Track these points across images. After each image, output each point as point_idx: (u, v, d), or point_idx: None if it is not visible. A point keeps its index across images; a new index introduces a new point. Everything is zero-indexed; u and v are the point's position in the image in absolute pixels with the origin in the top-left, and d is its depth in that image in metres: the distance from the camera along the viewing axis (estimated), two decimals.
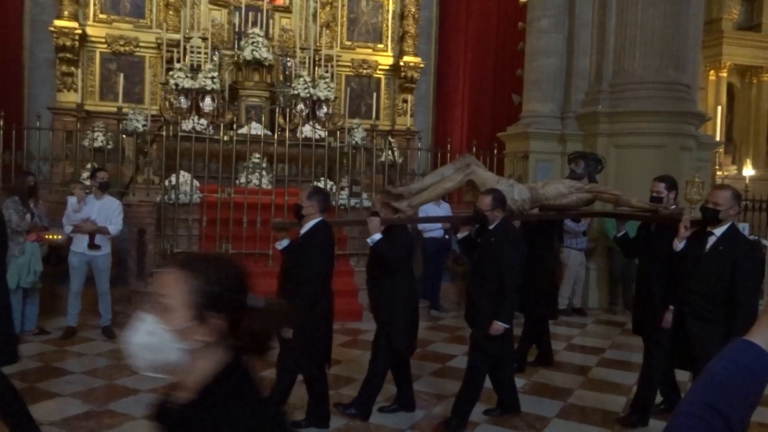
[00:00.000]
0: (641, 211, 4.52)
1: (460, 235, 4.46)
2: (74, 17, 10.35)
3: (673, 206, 4.38)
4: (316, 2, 11.73)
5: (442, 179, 4.60)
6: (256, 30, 10.50)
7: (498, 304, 3.97)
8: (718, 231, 3.57)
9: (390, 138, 11.41)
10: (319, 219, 3.82)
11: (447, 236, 7.85)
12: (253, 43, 10.24)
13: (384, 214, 4.28)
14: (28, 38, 10.71)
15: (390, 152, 9.86)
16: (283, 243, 4.04)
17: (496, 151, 9.19)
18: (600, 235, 8.17)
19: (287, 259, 3.94)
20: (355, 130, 10.18)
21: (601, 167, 5.59)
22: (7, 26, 9.97)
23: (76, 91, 10.50)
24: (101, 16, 10.76)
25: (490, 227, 4.10)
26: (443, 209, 7.92)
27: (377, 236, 4.01)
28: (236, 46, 10.75)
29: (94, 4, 10.71)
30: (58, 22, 10.19)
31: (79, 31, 10.31)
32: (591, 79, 8.65)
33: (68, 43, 10.21)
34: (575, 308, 7.87)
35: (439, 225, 7.75)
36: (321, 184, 8.90)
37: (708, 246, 3.59)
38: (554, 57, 8.76)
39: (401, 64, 12.20)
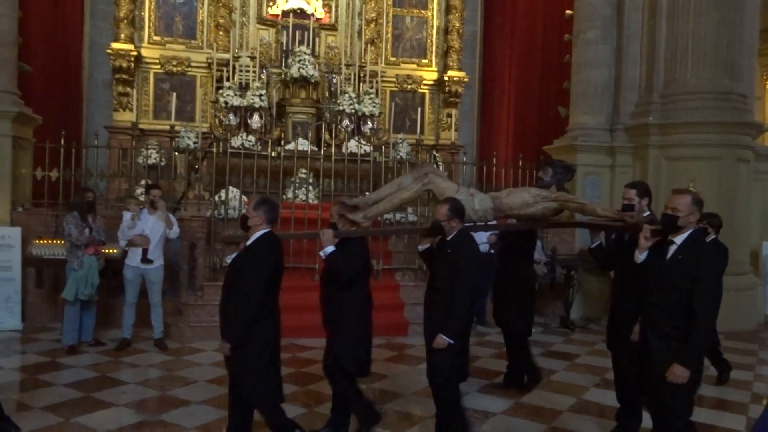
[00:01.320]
0: (608, 220, 4.30)
1: (420, 247, 4.25)
2: (130, 40, 10.79)
3: (647, 213, 4.14)
4: (362, 20, 11.90)
5: (399, 189, 4.43)
6: (303, 48, 10.71)
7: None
8: (679, 239, 3.30)
9: (434, 152, 11.41)
10: (266, 230, 3.62)
11: (492, 251, 7.76)
12: (299, 60, 10.44)
13: (341, 226, 4.14)
14: (87, 61, 11.21)
15: (435, 167, 9.86)
16: (232, 257, 3.89)
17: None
18: None
19: (228, 273, 3.74)
20: (400, 144, 10.23)
21: (571, 175, 5.31)
22: (69, 50, 10.45)
23: (131, 110, 10.92)
24: (155, 38, 11.18)
25: (447, 238, 3.93)
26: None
27: (330, 249, 3.89)
28: (283, 64, 10.98)
29: (149, 27, 11.14)
30: (115, 45, 10.64)
31: (135, 53, 10.74)
32: (641, 90, 8.47)
33: (124, 65, 10.64)
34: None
35: (484, 239, 7.67)
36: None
37: (668, 255, 3.32)
38: (602, 68, 8.62)
39: (445, 78, 12.22)
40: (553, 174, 4.93)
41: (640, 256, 3.55)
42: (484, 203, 4.39)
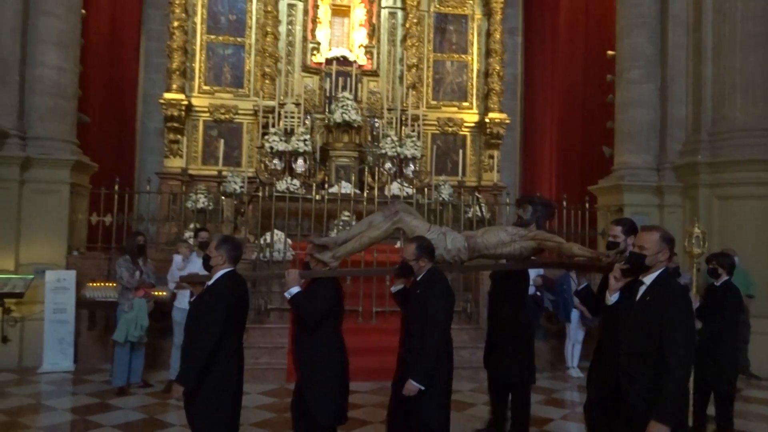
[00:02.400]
0: (587, 260, 4.11)
1: (393, 289, 4.12)
2: (181, 90, 11.26)
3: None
4: (403, 65, 12.14)
5: (369, 228, 4.29)
6: (346, 94, 10.96)
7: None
8: (648, 279, 3.08)
9: (477, 194, 11.39)
10: (228, 270, 3.54)
11: (539, 293, 7.62)
12: (342, 106, 10.68)
13: (313, 266, 4.06)
14: (140, 110, 11.74)
15: (477, 208, 9.83)
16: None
17: (587, 205, 8.94)
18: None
19: (188, 314, 3.63)
20: (442, 186, 10.26)
21: (552, 213, 5.13)
22: (124, 101, 10.98)
23: (181, 156, 11.31)
24: (205, 87, 11.64)
25: (417, 278, 3.83)
26: None
27: (294, 290, 3.78)
28: (327, 110, 11.24)
29: (199, 77, 11.61)
30: (167, 95, 11.12)
31: (186, 102, 11.19)
32: (688, 129, 8.33)
33: (176, 113, 11.08)
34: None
35: (530, 281, 7.56)
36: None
37: (637, 297, 3.10)
38: (647, 107, 8.53)
39: (487, 120, 12.27)
40: (532, 212, 4.69)
41: (611, 298, 3.34)
42: (456, 242, 4.24)
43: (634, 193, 8.42)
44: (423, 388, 3.58)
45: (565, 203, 8.83)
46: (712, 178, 7.82)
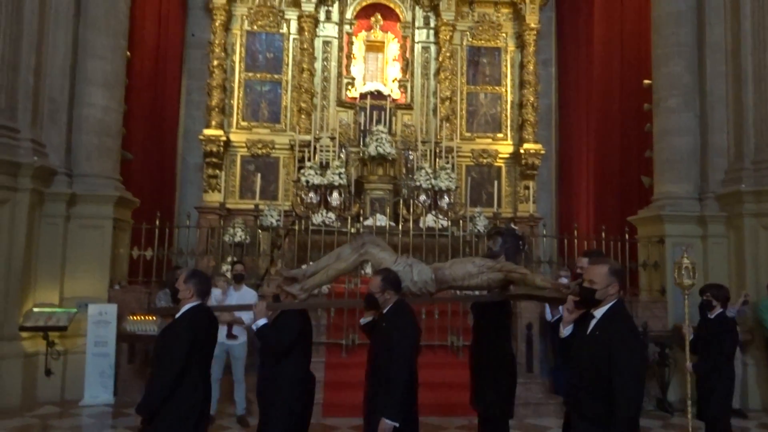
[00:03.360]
0: (551, 292, 3.97)
1: (362, 321, 4.07)
2: (220, 126, 11.57)
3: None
4: (436, 98, 12.24)
5: (336, 260, 4.29)
6: (380, 127, 11.09)
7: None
8: (598, 313, 3.01)
9: (513, 225, 11.27)
10: (195, 304, 3.58)
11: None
12: (377, 139, 10.79)
13: (283, 298, 4.06)
14: (181, 146, 12.08)
15: None
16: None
17: (627, 236, 8.75)
18: (756, 326, 7.37)
19: (154, 345, 3.66)
20: (477, 218, 10.20)
21: (523, 244, 4.94)
22: (165, 137, 11.31)
23: (219, 191, 11.55)
24: (243, 123, 11.93)
25: (383, 311, 3.78)
26: None
27: (261, 322, 3.81)
28: (361, 143, 11.37)
29: (237, 114, 11.92)
30: (207, 131, 11.43)
31: (224, 138, 11.48)
32: (730, 157, 8.12)
33: (214, 149, 11.37)
34: (734, 409, 7.00)
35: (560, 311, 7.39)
36: None
37: (588, 331, 3.03)
38: (686, 136, 8.36)
39: (521, 151, 12.23)
40: (502, 243, 4.61)
41: (564, 331, 3.24)
42: (423, 274, 4.19)
43: (676, 224, 8.20)
44: (397, 425, 3.52)
45: (603, 234, 8.66)
46: (758, 207, 7.58)
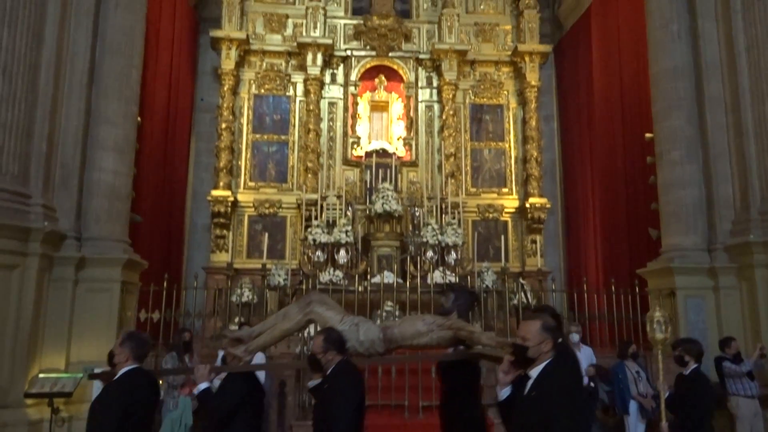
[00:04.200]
0: (494, 350, 3.88)
1: (310, 384, 3.96)
2: (228, 187, 11.73)
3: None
4: (441, 155, 12.40)
5: (282, 320, 4.21)
6: (386, 185, 11.19)
7: None
8: (534, 372, 2.87)
9: (521, 280, 11.20)
10: (132, 367, 3.54)
11: (593, 384, 7.27)
12: (383, 196, 10.88)
13: (229, 360, 3.99)
14: (189, 208, 12.21)
15: (522, 294, 9.63)
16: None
17: (638, 288, 8.66)
18: None
19: (89, 411, 3.59)
20: (485, 273, 10.16)
21: (475, 302, 4.83)
22: (174, 199, 11.45)
23: (227, 251, 11.60)
24: (250, 183, 12.09)
25: (327, 372, 3.69)
26: (585, 353, 7.42)
27: (202, 386, 3.74)
28: (368, 200, 11.46)
29: (245, 174, 12.11)
30: (215, 192, 11.57)
31: (232, 199, 11.62)
32: (736, 208, 8.12)
33: (222, 209, 11.49)
34: None
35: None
36: None
37: (525, 392, 2.88)
38: (691, 188, 8.39)
39: (527, 205, 12.28)
40: (454, 300, 4.52)
41: (501, 393, 3.08)
42: (370, 333, 4.07)
43: (686, 276, 8.13)
44: None
45: (614, 287, 8.58)
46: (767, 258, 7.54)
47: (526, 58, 12.67)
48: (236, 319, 8.79)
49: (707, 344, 7.52)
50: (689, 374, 4.97)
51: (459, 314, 4.34)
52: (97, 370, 6.06)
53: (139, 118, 8.74)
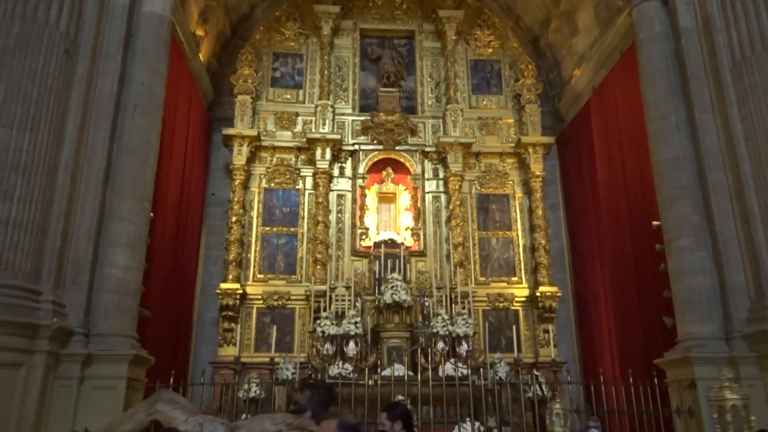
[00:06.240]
0: None
1: None
2: (237, 279, 11.75)
3: None
4: (449, 244, 12.45)
5: (125, 420, 4.12)
6: (395, 275, 11.18)
7: None
8: None
9: (535, 371, 10.91)
10: None
11: None
12: (392, 287, 10.83)
13: None
14: (198, 301, 12.18)
15: (537, 387, 9.35)
16: None
17: (656, 380, 8.39)
18: None
19: None
20: (498, 365, 9.92)
21: (334, 397, 4.70)
22: (183, 293, 11.45)
23: (234, 344, 11.44)
24: (259, 276, 12.12)
25: None
26: None
27: None
28: (377, 291, 11.41)
29: (254, 267, 12.16)
30: (223, 285, 11.58)
31: (240, 291, 11.60)
32: (750, 295, 8.00)
33: (231, 302, 11.45)
34: None
35: None
36: (467, 426, 8.49)
37: None
38: (703, 275, 8.30)
39: (537, 294, 12.17)
40: (309, 397, 4.42)
41: None
42: None
43: (706, 366, 7.87)
44: None
45: (631, 379, 8.32)
46: None
47: (530, 150, 13.00)
48: (243, 416, 8.54)
49: None
50: None
51: (314, 412, 4.25)
52: None
53: (151, 214, 8.91)
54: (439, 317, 10.72)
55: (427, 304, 11.53)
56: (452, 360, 10.20)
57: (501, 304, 12.31)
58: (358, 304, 11.31)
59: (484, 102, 13.90)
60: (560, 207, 13.73)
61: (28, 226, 6.81)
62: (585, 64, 12.78)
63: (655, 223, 9.42)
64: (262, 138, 12.79)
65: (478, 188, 13.18)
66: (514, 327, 11.20)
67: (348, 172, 12.99)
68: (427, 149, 13.17)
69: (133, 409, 4.38)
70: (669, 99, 8.89)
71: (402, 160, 13.16)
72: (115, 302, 7.87)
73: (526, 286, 12.54)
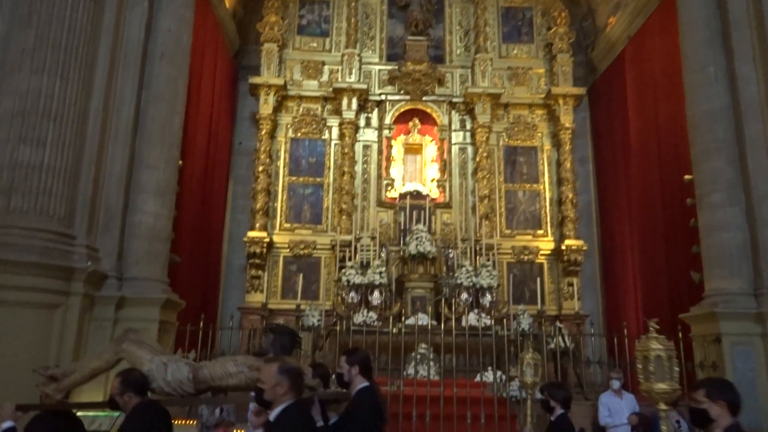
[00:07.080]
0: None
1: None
2: (264, 228, 11.91)
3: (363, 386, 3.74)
4: (475, 197, 12.40)
5: (93, 358, 4.13)
6: (420, 226, 11.22)
7: None
8: (272, 416, 2.89)
9: (558, 323, 10.97)
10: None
11: None
12: (417, 238, 10.89)
13: (42, 398, 3.91)
14: (226, 249, 12.41)
15: (560, 339, 9.43)
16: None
17: (681, 335, 8.37)
18: None
19: None
20: (521, 316, 9.99)
21: (297, 342, 4.64)
22: (212, 240, 11.67)
23: (261, 291, 11.71)
24: (285, 225, 12.27)
25: (126, 415, 3.58)
26: (627, 401, 7.19)
27: (6, 424, 3.58)
28: (402, 242, 11.48)
29: (281, 216, 12.30)
30: (251, 233, 11.76)
31: (267, 240, 11.77)
32: None
33: (258, 250, 11.64)
34: None
35: (623, 420, 7.00)
36: (489, 375, 8.64)
37: None
38: (734, 231, 8.16)
39: (563, 248, 12.12)
40: (272, 341, 4.40)
41: None
42: (177, 373, 3.93)
43: (732, 321, 7.83)
44: None
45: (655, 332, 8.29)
46: None
47: (560, 101, 12.71)
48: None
49: (757, 393, 7.20)
50: (555, 420, 4.73)
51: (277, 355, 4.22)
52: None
53: (180, 162, 9.01)
54: (464, 269, 10.78)
55: (451, 255, 11.57)
56: (475, 311, 10.31)
57: (526, 257, 12.30)
58: (383, 255, 11.41)
59: (515, 51, 13.55)
60: (589, 160, 13.49)
61: (61, 171, 6.94)
62: (621, 11, 12.31)
63: (687, 177, 9.22)
64: (289, 87, 12.72)
65: (506, 140, 13.00)
66: (538, 279, 11.23)
67: (374, 122, 12.90)
68: (455, 100, 12.98)
69: (101, 349, 4.52)
70: (708, 48, 8.55)
71: (429, 110, 12.99)
72: (146, 248, 8.06)
73: (552, 239, 12.48)
